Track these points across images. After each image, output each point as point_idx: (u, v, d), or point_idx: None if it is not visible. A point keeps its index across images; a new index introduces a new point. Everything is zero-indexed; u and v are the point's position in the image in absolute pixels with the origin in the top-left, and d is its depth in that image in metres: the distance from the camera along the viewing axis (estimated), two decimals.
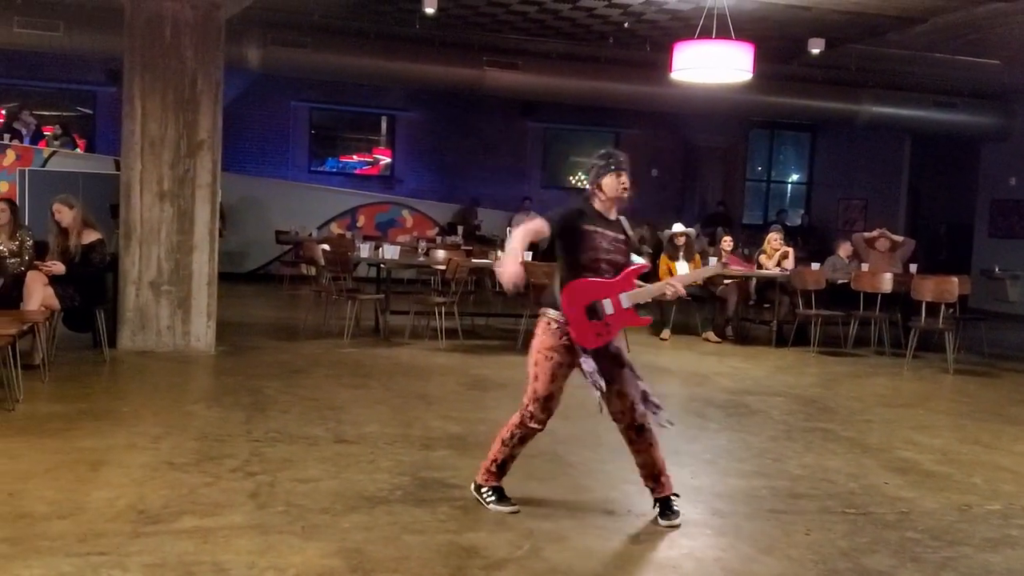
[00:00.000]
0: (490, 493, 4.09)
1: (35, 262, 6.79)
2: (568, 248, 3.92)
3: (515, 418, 4.05)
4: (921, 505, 4.49)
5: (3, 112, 14.85)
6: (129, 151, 7.61)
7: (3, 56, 13.67)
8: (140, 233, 7.60)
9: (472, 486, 4.17)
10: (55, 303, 6.65)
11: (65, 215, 6.89)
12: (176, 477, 4.30)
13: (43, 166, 13.14)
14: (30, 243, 7.00)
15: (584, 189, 4.15)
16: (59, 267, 6.71)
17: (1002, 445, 5.88)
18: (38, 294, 6.51)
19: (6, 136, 13.81)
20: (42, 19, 11.16)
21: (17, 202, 8.52)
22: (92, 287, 7.02)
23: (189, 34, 7.61)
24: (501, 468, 4.10)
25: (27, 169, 12.57)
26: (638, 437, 4.01)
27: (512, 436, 4.06)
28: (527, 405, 4.00)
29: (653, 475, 4.06)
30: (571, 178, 18.42)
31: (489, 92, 13.81)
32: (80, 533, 3.54)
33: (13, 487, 4.05)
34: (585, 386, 7.29)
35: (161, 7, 7.55)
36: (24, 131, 14.20)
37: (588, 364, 3.91)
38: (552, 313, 3.93)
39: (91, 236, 6.96)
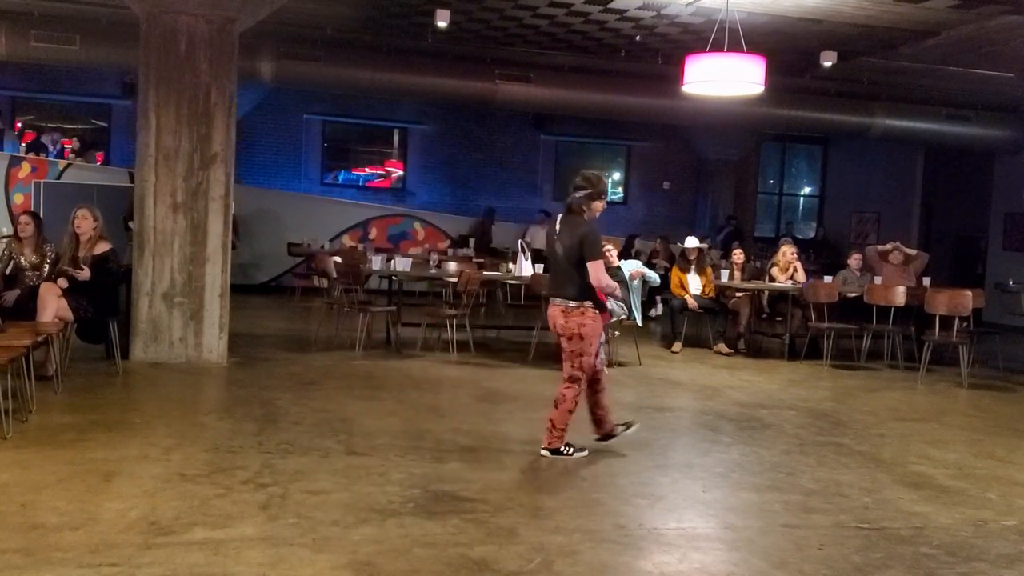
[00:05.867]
0: (567, 448, 5.14)
1: (65, 268, 6.81)
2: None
3: (574, 390, 5.11)
4: (936, 520, 4.45)
5: (26, 131, 14.98)
6: (143, 163, 7.66)
7: (20, 70, 13.81)
8: (153, 245, 7.64)
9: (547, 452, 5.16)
10: (69, 315, 6.68)
11: (87, 224, 6.95)
12: (187, 488, 4.31)
13: (58, 178, 13.25)
14: (52, 257, 7.03)
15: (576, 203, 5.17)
16: (85, 272, 6.76)
17: (1017, 460, 5.83)
18: (52, 306, 6.54)
19: (21, 148, 13.96)
20: (58, 33, 11.27)
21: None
22: (105, 298, 7.06)
23: (203, 48, 7.67)
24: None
25: (42, 181, 12.68)
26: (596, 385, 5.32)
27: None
28: (582, 377, 5.10)
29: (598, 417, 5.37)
30: None
31: (501, 105, 13.86)
32: (92, 544, 3.55)
33: (26, 498, 4.06)
34: None
35: (176, 21, 7.62)
36: (51, 147, 14.35)
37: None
38: (590, 304, 5.08)
39: (103, 247, 7.01)
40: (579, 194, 5.11)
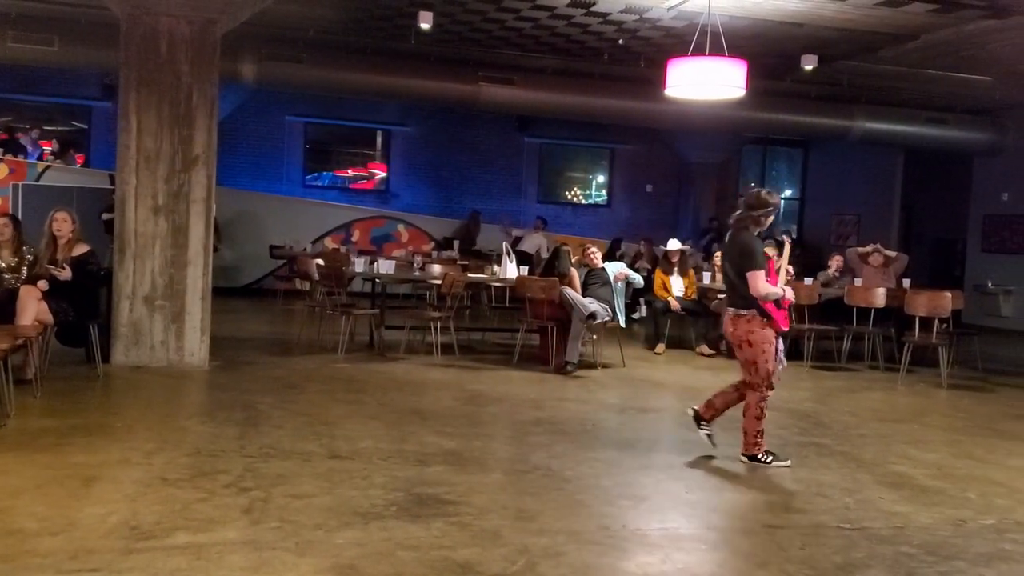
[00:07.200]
0: (767, 456, 5.31)
1: (46, 267, 6.75)
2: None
3: (754, 397, 5.29)
4: (916, 520, 4.49)
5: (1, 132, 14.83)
6: (124, 166, 7.61)
7: None
8: (134, 248, 7.59)
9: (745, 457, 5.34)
10: (48, 318, 6.63)
11: (66, 227, 6.90)
12: (169, 493, 4.28)
13: (37, 180, 13.14)
14: (30, 259, 6.96)
15: (746, 215, 5.34)
16: (67, 272, 6.70)
17: (996, 459, 5.88)
18: (31, 309, 6.48)
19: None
20: (37, 33, 11.17)
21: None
22: (85, 302, 7.01)
23: (185, 49, 7.63)
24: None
25: (20, 183, 12.57)
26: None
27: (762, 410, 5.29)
28: (762, 384, 5.27)
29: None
30: (567, 193, 18.47)
31: (485, 107, 13.85)
32: (71, 550, 3.52)
33: (3, 503, 4.02)
34: (579, 401, 7.31)
35: (157, 22, 7.58)
36: (30, 148, 14.21)
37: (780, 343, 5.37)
38: (756, 312, 5.24)
39: (82, 248, 6.96)
40: (751, 212, 5.30)
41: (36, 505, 4.01)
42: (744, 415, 5.37)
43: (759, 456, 5.34)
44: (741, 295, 5.26)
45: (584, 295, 8.74)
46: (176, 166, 7.64)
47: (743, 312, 5.27)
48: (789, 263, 6.14)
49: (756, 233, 5.33)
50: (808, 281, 10.54)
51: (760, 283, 5.15)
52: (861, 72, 12.33)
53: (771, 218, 5.35)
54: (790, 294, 5.37)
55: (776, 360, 5.33)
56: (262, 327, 11.05)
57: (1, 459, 4.69)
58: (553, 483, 4.82)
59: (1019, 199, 14.82)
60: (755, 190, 5.47)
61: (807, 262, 15.27)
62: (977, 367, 9.84)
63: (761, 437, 5.34)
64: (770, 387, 5.31)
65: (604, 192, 18.49)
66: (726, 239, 5.54)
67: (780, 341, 5.36)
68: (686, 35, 9.93)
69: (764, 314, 5.22)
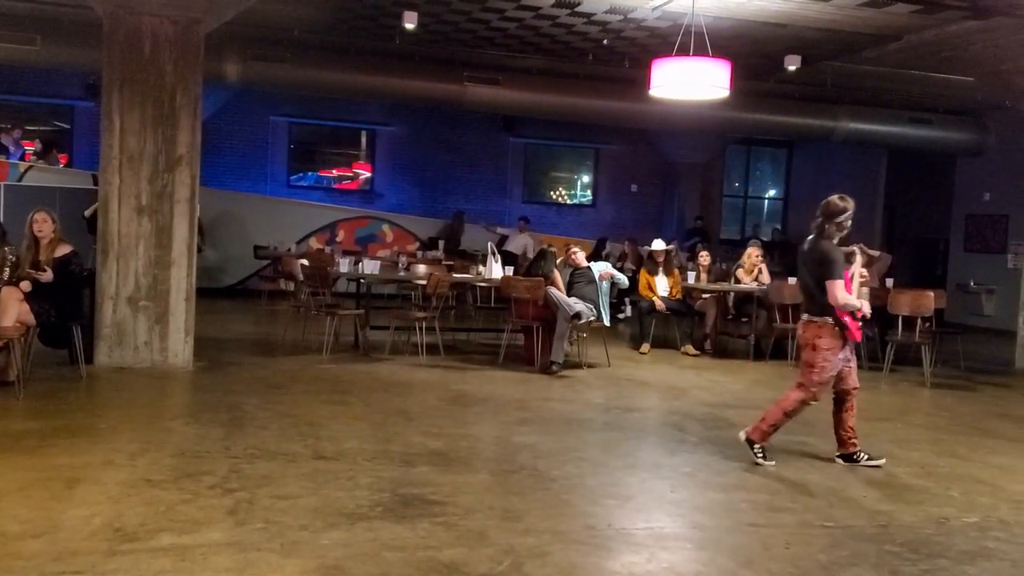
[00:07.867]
0: (760, 451, 5.36)
1: (28, 271, 6.69)
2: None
3: (798, 394, 5.31)
4: (899, 518, 4.52)
5: None
6: (107, 166, 7.56)
7: None
8: (118, 248, 7.54)
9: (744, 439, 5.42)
10: (31, 319, 6.58)
11: (48, 227, 6.84)
12: (153, 494, 4.26)
13: (19, 180, 13.03)
14: (12, 260, 6.89)
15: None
16: (48, 274, 6.64)
17: (979, 458, 5.93)
18: (13, 310, 6.43)
19: None
20: (18, 32, 11.08)
21: None
22: (68, 302, 6.95)
23: (168, 49, 7.59)
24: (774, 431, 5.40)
25: (2, 184, 12.47)
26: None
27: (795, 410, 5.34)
28: (811, 387, 5.30)
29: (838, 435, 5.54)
30: (552, 193, 18.49)
31: (470, 107, 13.85)
32: (55, 552, 3.50)
33: None
34: (565, 400, 7.32)
35: (140, 22, 7.53)
36: (12, 148, 14.08)
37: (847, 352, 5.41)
38: (831, 320, 5.28)
39: (64, 249, 6.90)
40: (832, 220, 5.34)
41: (19, 507, 3.98)
42: (776, 403, 5.42)
43: (756, 446, 5.38)
44: (818, 303, 5.30)
45: (569, 294, 8.75)
46: (160, 166, 7.60)
47: (816, 319, 5.33)
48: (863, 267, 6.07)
49: (836, 241, 5.33)
50: (792, 280, 10.57)
51: (839, 292, 5.19)
52: (844, 73, 12.40)
53: (850, 222, 5.35)
54: (867, 307, 5.41)
55: (841, 364, 5.37)
56: (247, 328, 11.00)
57: None
58: (539, 483, 4.82)
59: (1001, 199, 14.95)
60: (828, 198, 5.45)
61: (790, 262, 15.38)
62: (960, 366, 9.91)
63: (772, 431, 5.38)
64: (815, 397, 5.36)
65: (589, 192, 18.52)
66: (804, 247, 5.47)
67: (850, 349, 5.42)
68: (670, 35, 9.96)
69: (839, 323, 5.26)
